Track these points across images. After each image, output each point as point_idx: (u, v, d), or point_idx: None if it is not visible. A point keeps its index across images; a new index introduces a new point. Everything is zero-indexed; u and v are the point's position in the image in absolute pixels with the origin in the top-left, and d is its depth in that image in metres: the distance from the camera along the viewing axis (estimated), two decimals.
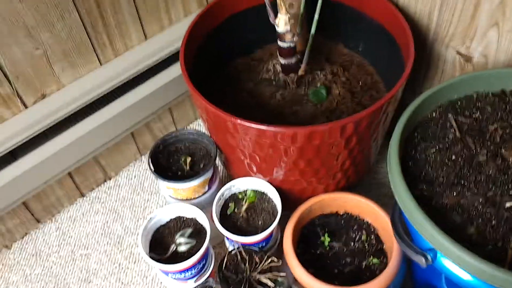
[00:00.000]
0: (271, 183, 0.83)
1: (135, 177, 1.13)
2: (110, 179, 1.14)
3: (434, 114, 0.74)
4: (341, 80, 0.95)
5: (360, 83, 0.95)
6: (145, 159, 1.17)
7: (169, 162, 0.88)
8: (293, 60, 0.86)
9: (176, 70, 1.00)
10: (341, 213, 0.88)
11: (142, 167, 1.15)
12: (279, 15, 0.78)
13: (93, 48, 0.91)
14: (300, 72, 0.87)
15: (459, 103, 0.75)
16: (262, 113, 0.88)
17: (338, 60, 1.02)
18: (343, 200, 0.87)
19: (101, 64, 0.94)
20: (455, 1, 0.80)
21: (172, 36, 0.99)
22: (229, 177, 0.99)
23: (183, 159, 0.87)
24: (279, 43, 0.86)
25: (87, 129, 0.92)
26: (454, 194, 0.63)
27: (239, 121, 0.69)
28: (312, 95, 0.90)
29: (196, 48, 0.86)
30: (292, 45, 0.86)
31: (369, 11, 0.94)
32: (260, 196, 0.88)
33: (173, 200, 0.88)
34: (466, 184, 0.63)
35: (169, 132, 0.90)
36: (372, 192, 1.03)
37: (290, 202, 0.89)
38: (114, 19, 0.90)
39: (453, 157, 0.67)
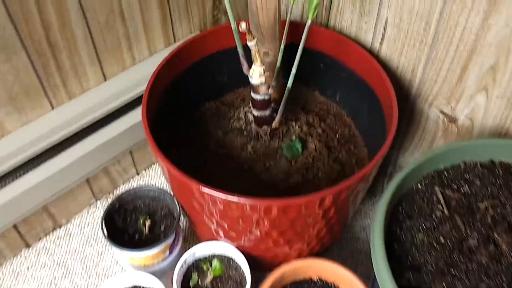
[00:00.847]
0: (239, 249, 0.77)
1: (88, 225, 1.04)
2: (60, 227, 1.04)
3: (419, 186, 0.68)
4: (317, 132, 0.91)
5: (337, 136, 0.92)
6: (100, 204, 1.07)
7: (125, 223, 0.80)
8: (267, 113, 0.80)
9: (139, 113, 0.91)
10: (315, 280, 0.82)
11: (97, 214, 1.05)
12: (253, 66, 0.73)
13: (44, 91, 0.81)
14: (274, 124, 0.82)
15: (445, 174, 0.69)
16: (232, 167, 0.84)
17: (314, 108, 0.98)
18: (317, 266, 0.81)
19: (52, 108, 0.84)
20: (441, 60, 0.76)
21: (135, 76, 0.92)
22: (193, 234, 0.91)
23: (141, 220, 0.79)
24: (253, 94, 0.81)
25: (35, 180, 0.83)
26: (444, 285, 0.57)
27: (206, 189, 0.63)
28: (287, 149, 0.84)
29: (162, 91, 0.81)
30: (266, 97, 0.81)
31: (348, 62, 0.89)
32: (227, 262, 0.81)
33: (129, 266, 0.79)
34: (456, 273, 0.57)
35: (127, 190, 0.83)
36: (347, 248, 0.98)
37: (260, 266, 0.83)
38: (69, 59, 0.81)
39: (442, 239, 0.61)
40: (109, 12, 0.83)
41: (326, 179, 0.84)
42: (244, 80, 0.80)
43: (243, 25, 0.70)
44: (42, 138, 0.84)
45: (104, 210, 0.79)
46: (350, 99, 0.91)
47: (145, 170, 1.13)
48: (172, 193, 0.85)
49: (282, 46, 0.75)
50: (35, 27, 0.75)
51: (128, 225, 0.80)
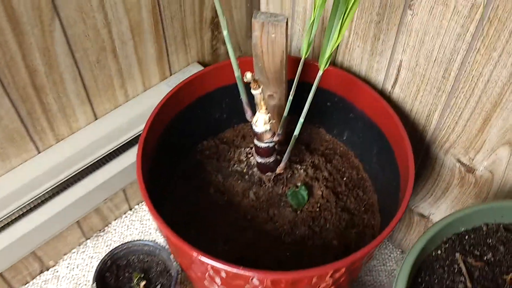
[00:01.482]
0: None
1: (77, 267, 0.98)
2: (47, 269, 0.97)
3: (439, 252, 0.63)
4: (323, 175, 0.86)
5: (345, 179, 0.87)
6: (90, 243, 1.01)
7: (118, 281, 0.74)
8: (271, 159, 0.76)
9: (135, 153, 0.85)
10: None
11: (87, 254, 1.00)
12: (257, 113, 0.71)
13: (30, 136, 0.75)
14: (279, 170, 0.78)
15: (466, 238, 0.64)
16: (234, 217, 0.80)
17: (320, 147, 0.93)
18: None
19: (39, 152, 0.78)
20: (460, 109, 0.70)
21: (128, 113, 0.87)
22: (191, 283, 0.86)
23: (135, 280, 0.73)
24: (256, 142, 0.76)
25: (23, 231, 0.77)
26: None
27: (208, 260, 0.60)
28: (292, 197, 0.80)
29: (159, 134, 0.78)
30: (271, 145, 0.76)
31: (358, 102, 0.85)
32: None
33: None
34: None
35: (119, 245, 0.79)
36: None
37: None
38: (56, 102, 0.74)
39: None
40: (100, 51, 0.77)
41: (334, 231, 0.79)
42: (244, 116, 0.76)
43: (248, 75, 0.65)
44: (29, 187, 0.78)
45: (96, 268, 0.73)
46: (358, 139, 0.86)
47: (138, 204, 1.07)
48: (168, 249, 0.78)
49: (290, 98, 0.69)
50: (18, 72, 0.69)
51: (121, 284, 0.74)
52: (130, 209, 1.08)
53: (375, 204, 0.85)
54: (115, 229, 1.04)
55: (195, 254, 0.62)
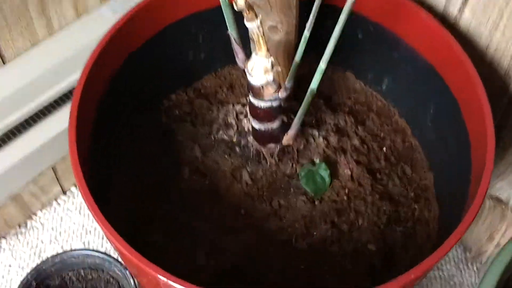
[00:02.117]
0: None
1: None
2: None
3: None
4: (352, 144, 0.84)
5: (385, 150, 0.85)
6: (6, 245, 0.99)
7: None
8: (274, 125, 0.75)
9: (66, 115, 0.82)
10: None
11: (0, 261, 0.98)
12: (254, 56, 0.68)
13: None
14: (286, 141, 0.78)
15: None
16: (220, 211, 0.78)
17: (346, 102, 0.90)
18: None
19: None
20: None
21: (54, 56, 0.84)
22: None
23: None
24: (252, 99, 0.72)
25: None
26: None
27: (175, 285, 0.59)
28: (306, 180, 0.79)
29: (102, 91, 0.77)
30: (275, 104, 0.73)
31: (405, 34, 0.81)
32: None
33: None
34: None
35: (50, 256, 0.80)
36: None
37: None
38: None
39: None
40: None
41: (371, 231, 0.77)
42: (231, 56, 0.73)
43: (240, 1, 0.59)
44: None
45: None
46: (405, 91, 0.85)
47: (76, 186, 1.03)
48: (123, 262, 0.79)
49: (306, 34, 0.64)
50: None
51: None
52: (64, 193, 1.05)
53: (430, 188, 0.83)
54: (42, 224, 1.02)
55: (161, 277, 0.60)
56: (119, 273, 0.78)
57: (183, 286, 0.59)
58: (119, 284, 0.80)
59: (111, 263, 0.79)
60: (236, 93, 0.89)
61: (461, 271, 0.98)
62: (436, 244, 0.74)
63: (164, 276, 0.59)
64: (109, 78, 0.77)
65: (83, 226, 1.02)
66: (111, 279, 0.80)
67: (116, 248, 0.67)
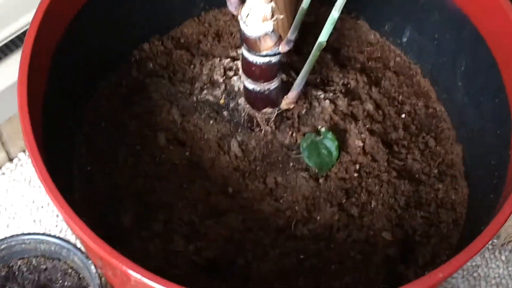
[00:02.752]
0: None
1: None
2: None
3: None
4: (365, 109, 0.83)
5: (404, 117, 0.85)
6: None
7: None
8: (272, 85, 0.75)
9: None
10: None
11: None
12: (249, 0, 0.67)
13: None
14: (286, 104, 0.77)
15: None
16: (203, 189, 0.78)
17: (358, 57, 0.90)
18: None
19: None
20: None
21: None
22: None
23: None
24: (246, 52, 0.72)
25: None
26: None
27: (152, 283, 0.58)
28: (309, 153, 0.79)
29: (60, 37, 0.76)
30: (274, 60, 0.72)
31: None
32: None
33: None
34: None
35: None
36: None
37: None
38: None
39: None
40: None
41: (386, 216, 0.77)
42: None
43: None
44: None
45: None
46: (430, 43, 0.86)
47: (25, 152, 1.02)
48: (83, 249, 0.78)
49: None
50: None
51: None
52: (10, 160, 1.03)
53: (457, 164, 0.82)
54: None
55: (130, 272, 0.59)
56: (80, 263, 0.78)
57: (156, 282, 0.58)
58: (79, 275, 0.80)
59: (70, 250, 0.78)
60: (224, 44, 0.88)
61: (486, 261, 0.97)
62: (463, 233, 0.75)
63: (134, 270, 0.59)
64: (68, 21, 0.76)
65: (33, 200, 1.00)
66: (70, 270, 0.80)
67: (76, 234, 0.67)
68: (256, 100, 0.77)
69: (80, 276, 0.79)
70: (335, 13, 0.65)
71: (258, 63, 0.71)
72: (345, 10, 0.87)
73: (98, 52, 0.83)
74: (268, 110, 0.77)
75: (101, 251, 0.60)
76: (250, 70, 0.72)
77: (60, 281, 0.80)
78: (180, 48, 0.88)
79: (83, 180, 0.78)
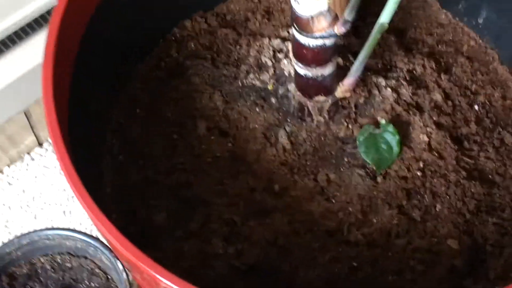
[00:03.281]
0: None
1: None
2: None
3: None
4: (432, 100, 0.83)
5: (478, 109, 0.84)
6: None
7: None
8: (326, 71, 0.76)
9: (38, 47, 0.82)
10: None
11: None
12: None
13: None
14: (342, 92, 0.78)
15: None
16: (246, 185, 0.79)
17: (427, 39, 0.90)
18: None
19: None
20: None
21: None
22: None
23: None
24: (297, 35, 0.72)
25: None
26: None
27: None
28: (366, 148, 0.79)
29: (92, 13, 0.78)
30: (328, 42, 0.72)
31: None
32: None
33: None
34: None
35: (17, 236, 0.80)
36: None
37: None
38: None
39: None
40: None
41: (453, 221, 0.76)
42: None
43: None
44: None
45: None
46: (509, 26, 0.85)
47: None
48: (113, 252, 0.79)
49: None
50: None
51: None
52: (40, 145, 1.05)
53: None
54: (10, 184, 1.02)
55: (160, 277, 0.60)
56: (108, 263, 0.79)
57: None
58: (107, 276, 0.81)
59: (97, 248, 0.80)
60: (274, 23, 0.89)
61: None
62: None
63: (162, 275, 0.59)
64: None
65: (64, 189, 1.01)
66: (97, 270, 0.81)
67: (100, 232, 0.67)
68: (307, 86, 0.77)
69: (108, 277, 0.80)
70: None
71: (310, 45, 0.71)
72: None
73: (133, 31, 0.83)
74: (321, 98, 0.78)
75: (127, 253, 0.60)
76: (302, 53, 0.73)
77: (86, 282, 0.81)
78: (226, 26, 0.88)
79: (115, 172, 0.78)
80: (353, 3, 0.69)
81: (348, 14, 0.69)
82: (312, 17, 0.68)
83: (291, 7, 0.69)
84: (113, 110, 0.82)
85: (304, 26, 0.69)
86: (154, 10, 0.85)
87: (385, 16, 0.67)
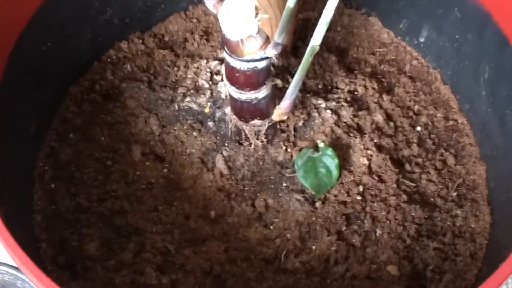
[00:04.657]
0: None
1: None
2: None
3: None
4: (373, 121, 0.83)
5: (420, 130, 0.85)
6: None
7: None
8: (260, 94, 0.74)
9: None
10: None
11: None
12: None
13: None
14: (279, 116, 0.76)
15: None
16: (181, 211, 0.78)
17: (369, 58, 0.90)
18: None
19: None
20: None
21: None
22: None
23: None
24: (227, 58, 0.70)
25: None
26: None
27: None
28: (304, 172, 0.78)
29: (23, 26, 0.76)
30: (260, 66, 0.70)
31: None
32: None
33: None
34: None
35: None
36: None
37: None
38: None
39: None
40: None
41: (392, 248, 0.75)
42: None
43: None
44: None
45: None
46: (450, 45, 0.85)
47: None
48: None
49: None
50: None
51: None
52: None
53: (480, 186, 0.81)
54: None
55: None
56: None
57: None
58: None
59: (25, 282, 0.78)
60: (212, 43, 0.88)
61: None
62: (482, 270, 0.74)
63: None
64: (29, 14, 0.76)
65: None
66: None
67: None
68: (242, 110, 0.75)
69: None
70: (327, 12, 0.63)
71: (242, 69, 0.70)
72: (354, 5, 0.91)
73: (66, 52, 0.83)
74: (257, 122, 0.76)
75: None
76: (234, 76, 0.71)
77: None
78: (163, 48, 0.88)
79: (45, 199, 0.77)
80: (281, 26, 0.67)
81: (277, 37, 0.67)
82: (242, 40, 0.67)
83: (220, 30, 0.67)
84: (44, 134, 0.81)
85: (234, 49, 0.68)
86: (88, 30, 0.84)
87: (316, 39, 0.65)
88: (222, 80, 0.80)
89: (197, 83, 0.82)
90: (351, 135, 0.80)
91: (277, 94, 0.76)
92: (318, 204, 0.77)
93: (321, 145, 0.78)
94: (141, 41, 0.88)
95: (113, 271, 0.71)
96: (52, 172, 0.79)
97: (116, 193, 0.77)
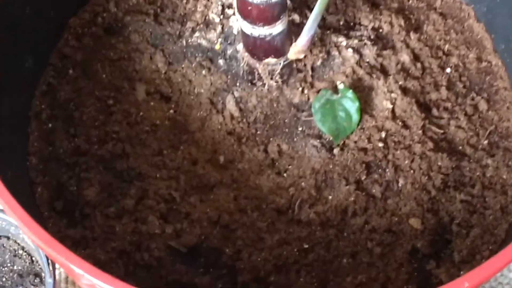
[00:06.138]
0: None
1: None
2: None
3: None
4: (399, 61, 0.81)
5: (450, 72, 0.83)
6: None
7: None
8: (275, 30, 0.73)
9: None
10: None
11: None
12: None
13: None
14: (295, 54, 0.76)
15: None
16: (188, 155, 0.78)
17: None
18: None
19: None
20: None
21: None
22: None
23: None
24: None
25: None
26: None
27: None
28: (322, 116, 0.77)
29: None
30: None
31: None
32: None
33: None
34: None
35: None
36: None
37: None
38: None
39: None
40: None
41: (415, 198, 0.73)
42: None
43: None
44: None
45: None
46: None
47: None
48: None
49: None
50: None
51: None
52: None
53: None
54: None
55: (85, 275, 0.56)
56: (31, 244, 0.78)
57: (104, 282, 0.55)
58: (31, 258, 0.79)
59: (18, 227, 0.78)
60: None
61: None
62: None
63: (75, 264, 0.55)
64: None
65: None
66: (20, 251, 0.80)
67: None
68: (255, 47, 0.75)
69: (33, 258, 0.79)
70: None
71: (254, 1, 0.69)
72: None
73: None
74: (271, 60, 0.75)
75: (36, 238, 0.57)
76: (246, 10, 0.70)
77: (9, 264, 0.79)
78: None
79: (42, 140, 0.76)
80: None
81: None
82: None
83: None
84: (42, 70, 0.79)
85: None
86: None
87: None
88: (234, 14, 0.79)
89: (207, 17, 0.81)
90: (374, 76, 0.78)
91: (294, 30, 0.75)
92: (336, 150, 0.76)
93: (341, 86, 0.76)
94: None
95: (113, 219, 0.71)
96: (50, 111, 0.77)
97: (117, 135, 0.76)
